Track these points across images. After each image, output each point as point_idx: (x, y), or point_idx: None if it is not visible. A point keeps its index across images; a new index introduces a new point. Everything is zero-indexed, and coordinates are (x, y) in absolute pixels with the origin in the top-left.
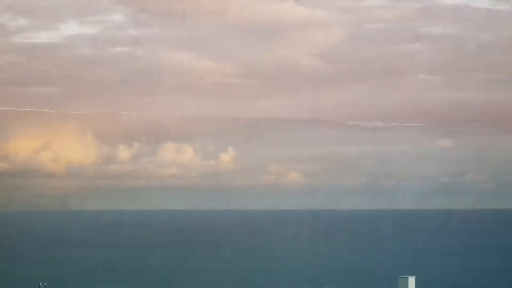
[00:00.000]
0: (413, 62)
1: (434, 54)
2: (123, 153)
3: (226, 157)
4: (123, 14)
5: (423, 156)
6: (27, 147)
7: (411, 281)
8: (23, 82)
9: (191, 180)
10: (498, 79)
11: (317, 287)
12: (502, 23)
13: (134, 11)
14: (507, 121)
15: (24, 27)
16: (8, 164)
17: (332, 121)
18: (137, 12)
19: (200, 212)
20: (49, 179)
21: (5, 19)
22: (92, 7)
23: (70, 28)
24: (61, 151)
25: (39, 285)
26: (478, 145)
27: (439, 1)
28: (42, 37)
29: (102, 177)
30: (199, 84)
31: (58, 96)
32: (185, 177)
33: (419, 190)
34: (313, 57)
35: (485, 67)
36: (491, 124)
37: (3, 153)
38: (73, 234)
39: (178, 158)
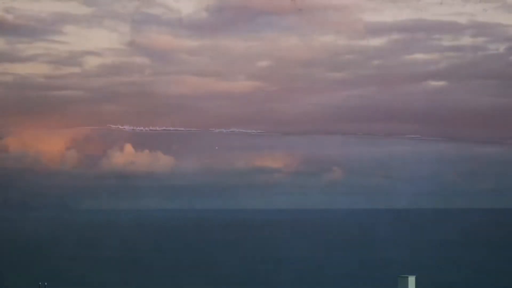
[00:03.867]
0: (418, 69)
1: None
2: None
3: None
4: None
5: (420, 157)
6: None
7: (411, 280)
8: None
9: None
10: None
11: (316, 287)
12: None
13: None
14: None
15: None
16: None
17: (331, 121)
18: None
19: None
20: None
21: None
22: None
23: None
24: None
25: (39, 285)
26: (473, 146)
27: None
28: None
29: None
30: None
31: (77, 100)
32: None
33: (416, 190)
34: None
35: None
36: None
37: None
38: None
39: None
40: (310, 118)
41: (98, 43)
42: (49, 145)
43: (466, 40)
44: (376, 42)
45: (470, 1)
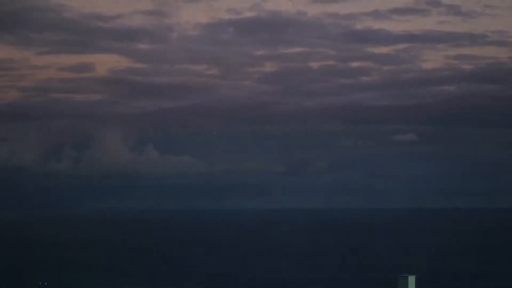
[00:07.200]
0: (422, 75)
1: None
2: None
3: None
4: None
5: (419, 157)
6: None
7: (411, 280)
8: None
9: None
10: None
11: (316, 287)
12: None
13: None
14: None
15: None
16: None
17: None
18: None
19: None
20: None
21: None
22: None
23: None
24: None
25: (39, 284)
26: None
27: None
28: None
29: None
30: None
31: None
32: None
33: (415, 190)
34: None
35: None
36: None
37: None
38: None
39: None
40: (312, 120)
41: (104, 50)
42: (54, 145)
43: (469, 49)
44: (383, 50)
45: (473, 13)
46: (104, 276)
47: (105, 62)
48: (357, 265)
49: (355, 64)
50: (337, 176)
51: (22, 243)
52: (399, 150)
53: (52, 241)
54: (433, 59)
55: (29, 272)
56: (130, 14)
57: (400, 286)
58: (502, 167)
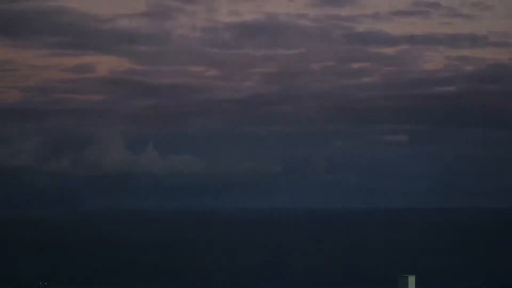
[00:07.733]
0: (425, 77)
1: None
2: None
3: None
4: None
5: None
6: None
7: (411, 280)
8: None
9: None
10: None
11: (316, 287)
12: None
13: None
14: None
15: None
16: None
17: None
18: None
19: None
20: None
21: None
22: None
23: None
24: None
25: (39, 284)
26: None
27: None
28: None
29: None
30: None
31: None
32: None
33: (416, 190)
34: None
35: None
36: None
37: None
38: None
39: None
40: (312, 120)
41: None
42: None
43: (471, 50)
44: (384, 51)
45: (473, 17)
46: (104, 276)
47: (105, 63)
48: (357, 265)
49: (356, 65)
50: (337, 176)
51: (22, 243)
52: (400, 150)
53: (52, 241)
54: (434, 60)
55: (29, 272)
56: (130, 16)
57: (400, 286)
58: (502, 167)
